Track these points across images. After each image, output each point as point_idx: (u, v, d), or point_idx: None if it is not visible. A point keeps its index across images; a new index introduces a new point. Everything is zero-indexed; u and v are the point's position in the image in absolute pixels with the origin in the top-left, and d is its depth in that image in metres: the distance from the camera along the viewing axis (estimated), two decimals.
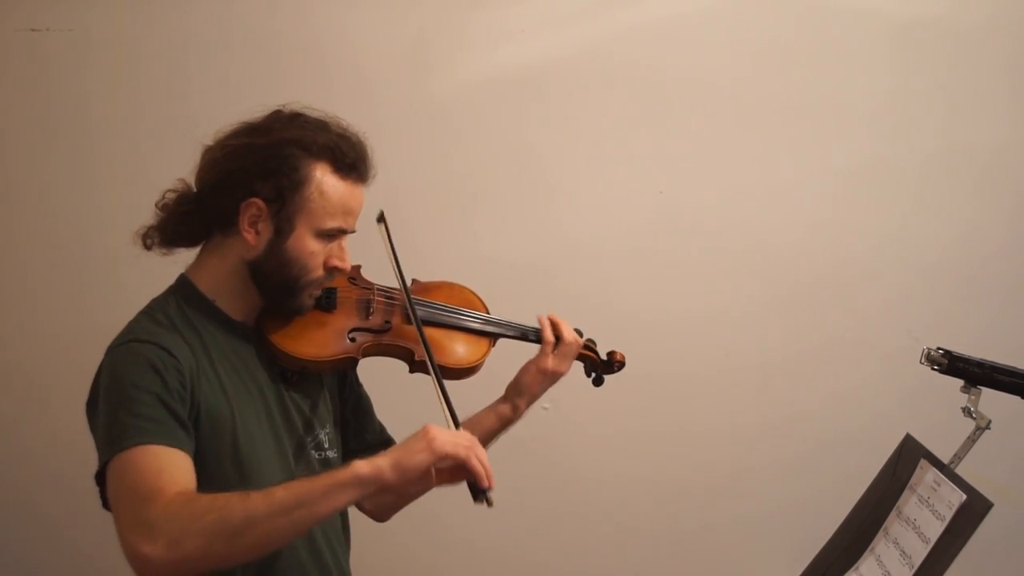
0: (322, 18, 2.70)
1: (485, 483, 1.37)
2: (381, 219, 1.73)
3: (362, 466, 1.35)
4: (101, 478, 1.45)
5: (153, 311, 1.58)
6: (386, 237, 1.67)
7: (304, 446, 1.66)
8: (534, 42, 2.71)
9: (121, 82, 2.70)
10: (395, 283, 1.74)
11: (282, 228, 1.56)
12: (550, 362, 1.82)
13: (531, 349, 1.87)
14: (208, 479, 1.49)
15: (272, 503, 1.32)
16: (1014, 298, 2.74)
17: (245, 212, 1.56)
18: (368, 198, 1.65)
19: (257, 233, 1.57)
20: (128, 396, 1.43)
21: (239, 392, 1.57)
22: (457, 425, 1.48)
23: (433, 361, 1.60)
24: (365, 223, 1.69)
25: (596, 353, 1.94)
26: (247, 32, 2.70)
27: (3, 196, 2.74)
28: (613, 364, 1.94)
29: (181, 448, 1.43)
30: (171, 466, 1.40)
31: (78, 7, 2.69)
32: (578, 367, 1.92)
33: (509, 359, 1.86)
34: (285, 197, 1.55)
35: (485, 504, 1.38)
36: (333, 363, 1.68)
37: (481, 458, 1.39)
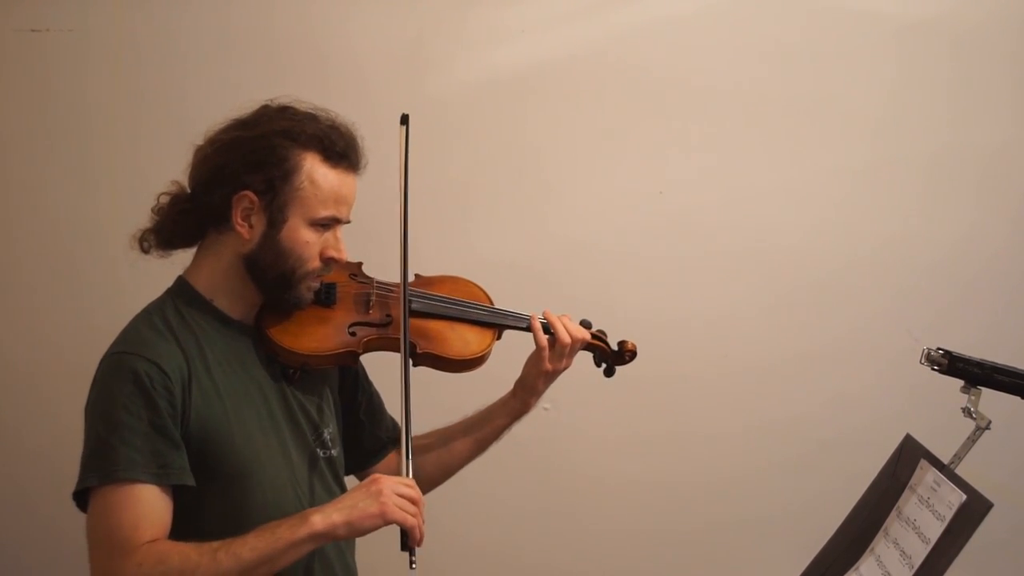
0: (321, 18, 2.70)
1: (416, 542, 1.50)
2: (404, 121, 1.70)
3: (318, 524, 1.46)
4: (81, 496, 1.48)
5: (150, 314, 1.58)
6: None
7: (309, 444, 1.66)
8: (533, 42, 2.71)
9: (121, 82, 2.70)
10: (394, 281, 1.74)
11: (275, 219, 1.57)
12: (548, 364, 1.79)
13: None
14: (208, 481, 1.51)
15: (240, 563, 1.43)
16: (1015, 299, 2.74)
17: (237, 206, 1.56)
18: (365, 198, 1.65)
19: (251, 226, 1.57)
20: (119, 421, 1.45)
21: (236, 392, 1.57)
22: (408, 436, 1.54)
23: (407, 370, 1.61)
24: (361, 217, 1.68)
25: (606, 343, 1.91)
26: (246, 32, 2.70)
27: (2, 196, 2.74)
28: (624, 354, 1.90)
29: (169, 480, 1.47)
30: (151, 513, 1.45)
31: (78, 7, 2.69)
32: (586, 359, 1.89)
33: (518, 353, 1.85)
34: (276, 188, 1.56)
35: (409, 558, 1.49)
36: (334, 357, 1.68)
37: (420, 524, 1.50)
